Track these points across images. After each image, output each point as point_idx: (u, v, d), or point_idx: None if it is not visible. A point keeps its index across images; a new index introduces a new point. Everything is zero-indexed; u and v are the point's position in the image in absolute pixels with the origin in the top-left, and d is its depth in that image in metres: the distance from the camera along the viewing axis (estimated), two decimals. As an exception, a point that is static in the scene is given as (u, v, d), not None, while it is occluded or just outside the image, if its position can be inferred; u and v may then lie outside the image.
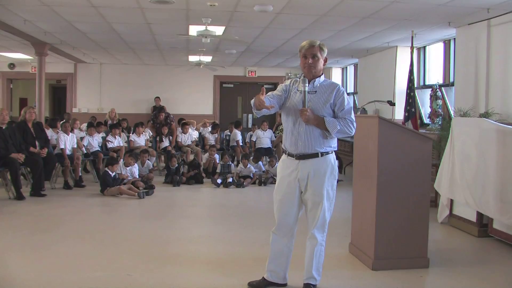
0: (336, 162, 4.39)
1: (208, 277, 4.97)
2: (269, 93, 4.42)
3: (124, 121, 14.70)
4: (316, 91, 4.28)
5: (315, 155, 4.24)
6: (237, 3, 8.34)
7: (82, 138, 11.60)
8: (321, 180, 4.25)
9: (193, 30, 10.39)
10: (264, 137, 13.55)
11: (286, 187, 4.36)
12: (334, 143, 4.36)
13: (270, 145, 13.70)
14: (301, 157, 4.26)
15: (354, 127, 4.25)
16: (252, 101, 4.18)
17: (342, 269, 5.34)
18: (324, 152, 4.26)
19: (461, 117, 7.96)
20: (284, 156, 4.44)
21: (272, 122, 16.39)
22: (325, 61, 4.37)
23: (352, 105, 4.32)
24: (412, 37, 9.88)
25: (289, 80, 4.55)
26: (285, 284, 4.62)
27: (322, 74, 4.38)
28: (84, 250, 5.86)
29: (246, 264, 5.39)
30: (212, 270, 5.21)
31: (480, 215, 6.64)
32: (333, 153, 4.35)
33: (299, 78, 4.37)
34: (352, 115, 4.25)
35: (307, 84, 4.21)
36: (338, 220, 7.84)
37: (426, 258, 5.32)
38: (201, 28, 9.74)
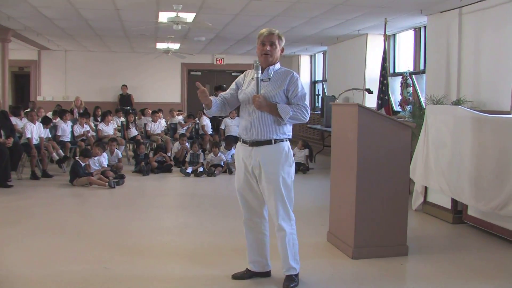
0: (291, 150, 4.34)
1: (189, 269, 4.88)
2: (223, 93, 4.56)
3: (98, 109, 14.46)
4: (269, 79, 4.25)
5: (268, 142, 4.20)
6: (211, -12, 8.22)
7: (55, 127, 11.38)
8: (275, 168, 4.18)
9: (163, 16, 10.21)
10: (232, 125, 13.44)
11: (243, 174, 4.34)
12: (288, 131, 4.32)
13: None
14: (254, 143, 4.22)
15: (308, 112, 4.22)
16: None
17: (321, 258, 5.30)
18: (278, 139, 4.22)
19: (435, 105, 7.99)
20: (238, 143, 4.41)
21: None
22: (282, 51, 4.35)
23: (305, 92, 4.30)
24: (385, 25, 9.89)
25: (244, 73, 4.55)
26: (269, 272, 4.58)
27: (277, 62, 4.35)
28: (56, 242, 5.71)
29: (226, 254, 5.32)
30: (192, 261, 5.11)
31: (455, 202, 6.68)
32: (287, 140, 4.31)
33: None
34: (306, 101, 4.24)
35: (259, 71, 4.18)
36: (313, 208, 7.89)
37: (406, 246, 5.33)
38: (172, 14, 9.57)
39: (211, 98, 4.37)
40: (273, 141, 4.20)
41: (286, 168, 4.22)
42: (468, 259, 5.35)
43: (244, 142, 4.30)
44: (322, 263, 5.14)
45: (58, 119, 11.90)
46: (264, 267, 4.51)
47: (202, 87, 4.23)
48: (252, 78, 4.32)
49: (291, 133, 4.35)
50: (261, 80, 4.20)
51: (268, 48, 4.22)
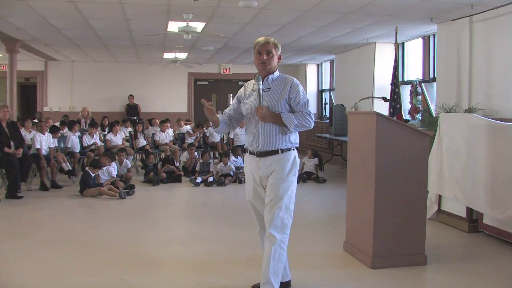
0: (298, 159, 4.29)
1: (206, 280, 4.83)
2: (226, 109, 4.54)
3: (105, 119, 14.46)
4: (270, 88, 4.20)
5: (275, 152, 4.15)
6: (222, -3, 8.21)
7: (64, 138, 11.37)
8: (279, 176, 4.12)
9: (173, 26, 10.21)
10: (242, 134, 13.37)
11: (252, 186, 4.30)
12: (295, 139, 4.26)
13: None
14: (262, 154, 4.17)
15: (312, 119, 4.16)
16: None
17: (339, 268, 5.25)
18: (285, 149, 4.17)
19: (448, 113, 7.94)
20: (246, 155, 4.37)
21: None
22: (279, 58, 4.29)
23: (308, 98, 4.23)
24: (396, 33, 9.87)
25: (244, 85, 4.52)
26: (289, 282, 4.51)
27: (276, 70, 4.29)
28: (69, 254, 5.66)
29: (241, 265, 5.27)
30: (208, 271, 5.07)
31: (470, 211, 6.63)
32: (295, 149, 4.25)
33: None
34: (309, 108, 4.18)
35: (261, 82, 4.15)
36: (326, 218, 7.84)
37: (424, 255, 5.27)
38: (182, 24, 9.56)
39: (218, 115, 4.36)
40: (280, 150, 4.15)
41: (290, 177, 4.16)
42: (485, 269, 5.28)
43: (251, 153, 4.27)
44: (340, 273, 5.09)
45: (66, 130, 11.90)
46: (283, 277, 4.36)
47: (207, 104, 4.17)
48: (253, 89, 4.28)
49: (298, 141, 4.30)
50: (262, 90, 4.15)
51: (265, 57, 4.17)
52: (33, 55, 16.31)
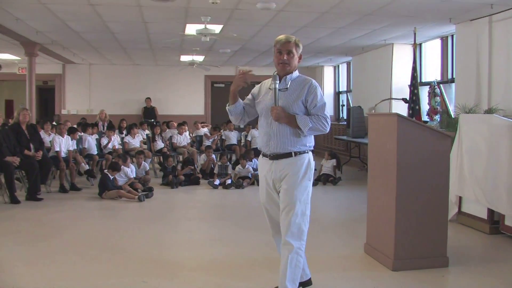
0: (313, 162, 4.16)
1: (225, 282, 4.83)
2: (244, 101, 4.36)
3: (123, 122, 14.54)
4: (287, 88, 4.07)
5: (288, 155, 4.02)
6: (240, 0, 8.20)
7: (81, 140, 11.46)
8: (293, 181, 4.00)
9: (191, 28, 10.24)
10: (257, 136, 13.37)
11: (264, 190, 4.19)
12: (310, 142, 4.13)
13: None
14: (274, 157, 4.06)
15: (328, 123, 4.03)
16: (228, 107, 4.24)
17: (360, 271, 5.23)
18: (298, 152, 4.04)
19: (468, 114, 7.87)
20: (260, 157, 4.26)
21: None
22: (300, 58, 4.17)
23: (325, 101, 4.10)
24: (415, 34, 9.83)
25: (260, 84, 4.37)
26: (309, 280, 4.47)
27: (295, 70, 4.17)
28: (91, 256, 5.67)
29: (261, 267, 5.26)
30: (227, 274, 5.07)
31: (491, 212, 6.57)
32: (310, 152, 4.13)
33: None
34: (326, 112, 4.04)
35: (277, 81, 4.01)
36: (345, 220, 7.81)
37: (446, 257, 5.23)
38: (200, 26, 9.59)
39: (239, 99, 4.25)
40: (293, 153, 4.03)
41: (305, 182, 4.04)
42: (508, 271, 5.25)
43: (264, 155, 4.16)
44: (361, 276, 5.07)
45: (81, 132, 11.99)
46: (302, 277, 4.26)
47: (245, 70, 4.10)
48: (269, 88, 4.15)
49: (312, 144, 4.17)
50: (279, 90, 4.02)
51: (285, 57, 4.05)
52: (51, 58, 16.45)
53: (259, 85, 4.35)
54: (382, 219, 5.31)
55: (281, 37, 4.11)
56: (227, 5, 8.54)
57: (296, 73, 4.17)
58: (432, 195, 5.13)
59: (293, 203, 3.97)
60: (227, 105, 4.25)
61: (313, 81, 4.14)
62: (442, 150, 5.18)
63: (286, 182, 4.00)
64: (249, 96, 4.35)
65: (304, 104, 4.05)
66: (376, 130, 5.58)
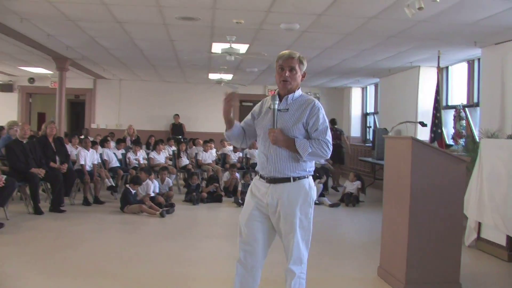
0: (314, 187, 3.93)
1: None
2: (240, 122, 4.14)
3: (152, 138, 14.71)
4: (287, 109, 3.81)
5: (286, 180, 3.77)
6: (263, 20, 8.31)
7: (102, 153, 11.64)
8: (292, 208, 3.75)
9: (217, 47, 10.37)
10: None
11: (250, 211, 3.92)
12: (309, 167, 3.87)
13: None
14: (272, 180, 3.80)
15: (329, 149, 3.75)
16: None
17: (371, 293, 5.20)
18: (297, 177, 3.79)
19: (489, 139, 7.80)
20: (256, 178, 3.99)
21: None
22: (303, 76, 3.90)
23: (327, 125, 3.83)
24: (439, 57, 9.79)
25: (261, 101, 4.11)
26: None
27: (298, 88, 3.90)
28: (109, 269, 5.74)
29: (277, 286, 5.21)
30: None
31: (510, 239, 6.47)
32: (309, 177, 3.88)
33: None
34: (328, 136, 3.77)
35: (277, 102, 3.74)
36: (362, 242, 7.76)
37: (459, 283, 5.16)
38: (225, 45, 9.71)
39: (235, 122, 4.04)
40: (292, 179, 3.78)
41: (305, 208, 3.80)
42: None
43: (261, 177, 3.89)
44: (372, 299, 5.04)
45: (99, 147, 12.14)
46: None
47: (230, 94, 3.86)
48: (269, 107, 3.83)
49: (313, 168, 3.92)
50: (279, 110, 3.77)
51: (287, 73, 3.78)
52: (82, 73, 16.77)
53: (260, 103, 4.10)
54: (395, 242, 5.28)
55: (284, 52, 3.89)
56: (251, 25, 8.64)
57: (298, 92, 3.91)
58: (446, 220, 5.08)
59: (294, 231, 3.78)
60: (225, 130, 4.06)
61: (316, 101, 3.87)
62: (457, 174, 5.13)
63: (285, 209, 3.77)
64: (249, 116, 4.12)
65: (305, 127, 3.79)
66: (391, 153, 5.57)
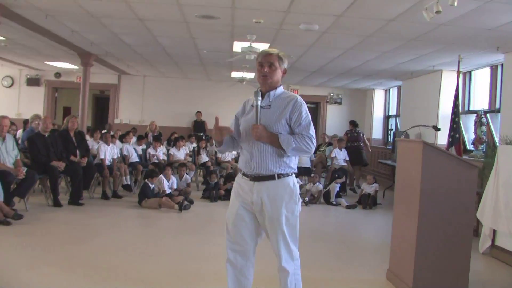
0: (297, 185, 3.90)
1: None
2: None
3: (174, 134, 14.84)
4: (270, 105, 3.80)
5: (271, 177, 3.77)
6: (283, 20, 8.34)
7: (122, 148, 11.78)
8: (277, 206, 3.76)
9: (237, 46, 10.42)
10: (303, 157, 13.26)
11: (236, 209, 3.95)
12: (294, 163, 3.88)
13: (309, 165, 13.23)
14: (256, 178, 3.80)
15: (313, 143, 3.77)
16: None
17: (379, 296, 5.20)
18: (281, 174, 3.79)
19: (507, 145, 7.73)
20: (239, 176, 3.98)
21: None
22: (284, 72, 3.91)
23: (310, 119, 3.82)
24: (459, 61, 9.70)
25: (244, 102, 4.13)
26: None
27: (280, 85, 3.92)
28: (123, 262, 5.82)
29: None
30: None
31: (524, 247, 6.41)
32: (293, 175, 3.88)
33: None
34: (311, 130, 3.78)
35: (259, 98, 3.75)
36: (374, 245, 7.74)
37: (467, 290, 5.15)
38: (246, 44, 9.75)
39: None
40: (276, 176, 3.78)
41: (290, 205, 3.80)
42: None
43: (245, 175, 3.89)
44: (378, 301, 5.04)
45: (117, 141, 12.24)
46: None
47: (219, 123, 3.89)
48: (252, 105, 3.88)
49: (296, 166, 3.93)
50: (261, 107, 3.77)
51: (266, 69, 3.80)
52: (107, 69, 16.96)
53: (243, 104, 4.12)
54: (404, 246, 5.27)
55: (263, 49, 3.97)
56: (271, 24, 8.67)
57: (280, 89, 3.92)
58: (456, 225, 5.05)
59: (280, 228, 3.79)
60: (216, 146, 4.12)
61: (298, 97, 3.88)
62: (468, 180, 5.10)
63: (271, 208, 3.77)
64: (233, 121, 4.10)
65: (288, 123, 3.79)
66: (403, 156, 5.56)
